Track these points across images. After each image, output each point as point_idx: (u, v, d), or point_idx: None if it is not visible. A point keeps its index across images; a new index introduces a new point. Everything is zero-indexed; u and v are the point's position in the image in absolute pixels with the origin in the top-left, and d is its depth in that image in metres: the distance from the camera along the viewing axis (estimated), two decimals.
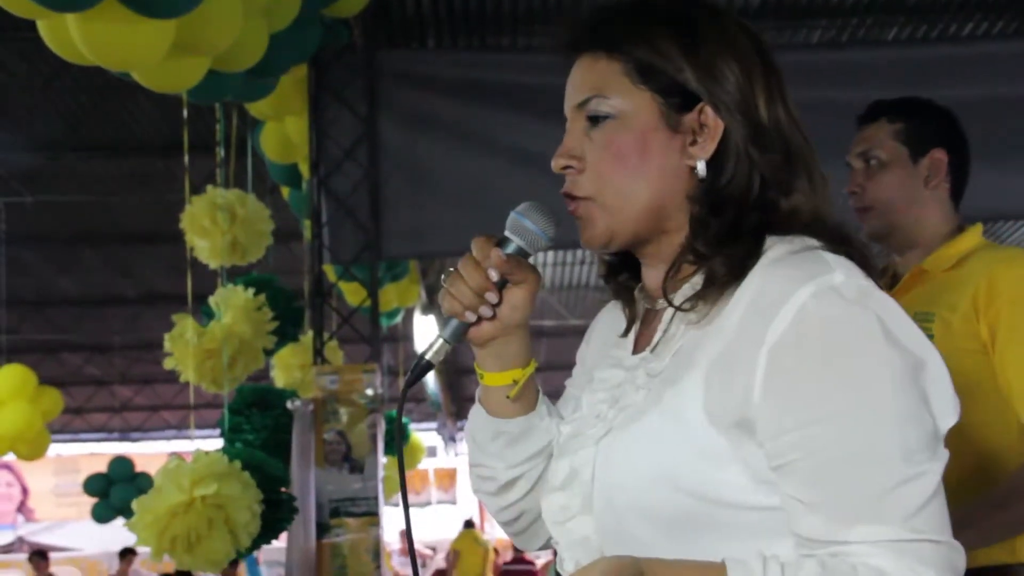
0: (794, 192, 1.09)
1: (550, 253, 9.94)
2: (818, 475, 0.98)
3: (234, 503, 3.42)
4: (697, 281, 1.09)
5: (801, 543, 1.00)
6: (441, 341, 1.15)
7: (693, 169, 1.10)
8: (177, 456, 3.69)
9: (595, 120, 1.12)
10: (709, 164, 1.09)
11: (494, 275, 1.14)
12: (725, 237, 1.07)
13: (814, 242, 1.07)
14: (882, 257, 1.99)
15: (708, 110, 1.09)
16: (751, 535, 1.02)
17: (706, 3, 1.13)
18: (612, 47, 1.11)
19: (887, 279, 2.00)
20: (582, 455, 1.12)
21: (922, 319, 1.84)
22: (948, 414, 1.03)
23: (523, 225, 1.16)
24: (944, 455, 1.00)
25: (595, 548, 1.11)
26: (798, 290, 1.00)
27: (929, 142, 1.98)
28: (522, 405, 1.20)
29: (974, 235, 1.98)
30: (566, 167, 1.13)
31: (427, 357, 1.15)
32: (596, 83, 1.12)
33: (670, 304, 1.10)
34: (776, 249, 1.06)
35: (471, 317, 1.15)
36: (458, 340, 1.16)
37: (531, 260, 1.17)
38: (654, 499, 1.04)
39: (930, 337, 1.81)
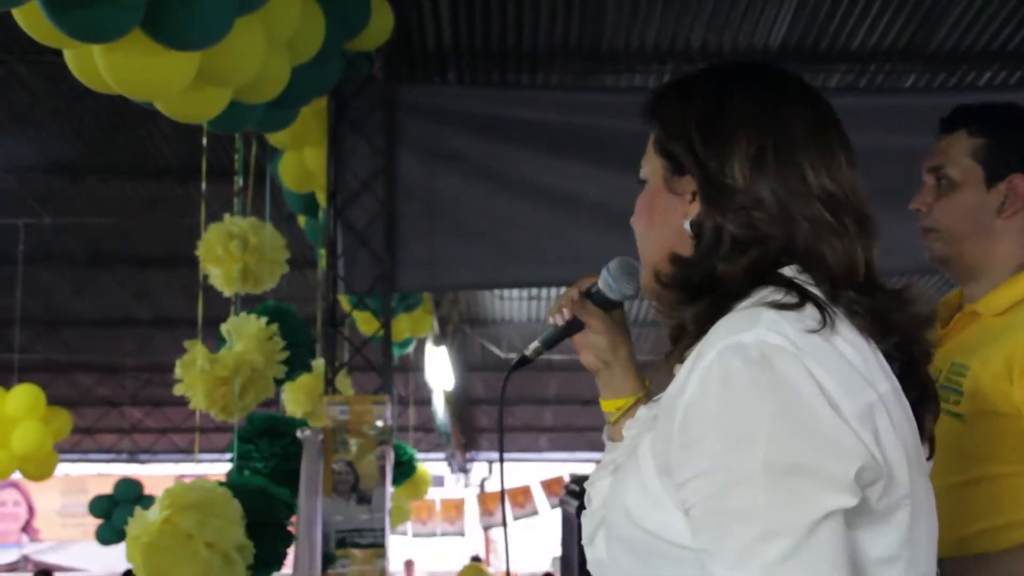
0: (772, 256, 1.15)
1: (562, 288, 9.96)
2: (702, 524, 1.05)
3: (206, 531, 3.44)
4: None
5: None
6: (537, 343, 1.42)
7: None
8: (181, 481, 3.71)
9: (642, 183, 1.28)
10: (693, 225, 1.19)
11: (567, 313, 1.41)
12: (683, 293, 1.17)
13: (773, 295, 1.12)
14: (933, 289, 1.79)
15: (689, 177, 1.20)
16: (698, 570, 1.07)
17: (730, 70, 1.24)
18: (647, 122, 1.26)
19: (950, 312, 1.79)
20: (598, 485, 1.26)
21: (956, 372, 1.67)
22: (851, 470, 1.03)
23: (606, 278, 1.38)
24: (845, 502, 1.02)
25: (605, 569, 1.22)
26: (713, 348, 1.07)
27: (1010, 166, 1.73)
28: None
29: None
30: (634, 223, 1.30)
31: (526, 354, 1.42)
32: (645, 155, 1.27)
33: (666, 360, 1.20)
34: (743, 302, 1.14)
35: (559, 320, 1.41)
36: (547, 344, 1.42)
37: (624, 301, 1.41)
38: (625, 532, 1.15)
39: (959, 396, 1.64)
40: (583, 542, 1.28)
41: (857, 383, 1.06)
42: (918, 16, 5.42)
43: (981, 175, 1.75)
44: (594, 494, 1.29)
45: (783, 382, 1.04)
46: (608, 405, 1.42)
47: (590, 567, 1.30)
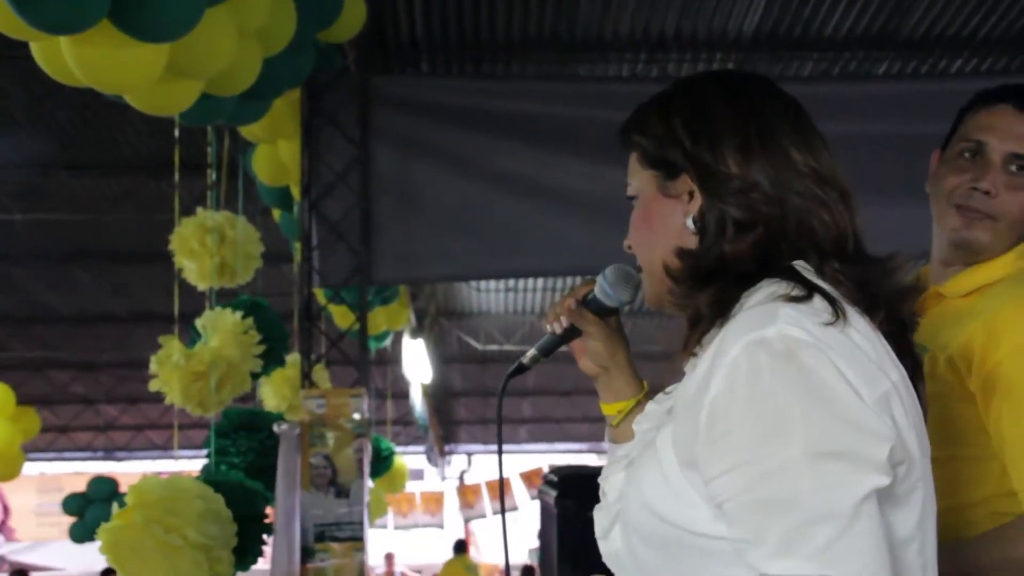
0: (775, 233, 1.20)
1: (543, 280, 9.96)
2: (740, 515, 1.07)
3: (173, 524, 3.44)
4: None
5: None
6: (534, 351, 1.44)
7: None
8: (153, 476, 3.70)
9: (632, 205, 1.32)
10: (696, 220, 1.24)
11: (564, 321, 1.42)
12: (694, 282, 1.20)
13: (782, 289, 1.15)
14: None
15: (685, 176, 1.25)
16: (730, 560, 1.10)
17: (699, 79, 1.31)
18: (627, 143, 1.32)
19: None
20: (612, 480, 1.31)
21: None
22: (883, 449, 1.07)
23: (602, 285, 1.39)
24: (881, 481, 1.06)
25: (623, 563, 1.26)
26: (735, 344, 1.10)
27: None
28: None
29: (1011, 258, 1.69)
30: (629, 247, 1.33)
31: (523, 362, 1.43)
32: (628, 175, 1.32)
33: (684, 347, 1.22)
34: (753, 297, 1.16)
35: (556, 328, 1.43)
36: (545, 352, 1.44)
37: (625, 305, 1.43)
38: (645, 525, 1.17)
39: None
40: (597, 536, 1.31)
41: (873, 372, 1.10)
42: (890, 3, 5.43)
43: None
44: (608, 488, 1.32)
45: (809, 373, 1.07)
46: (609, 408, 1.45)
47: (606, 560, 1.33)
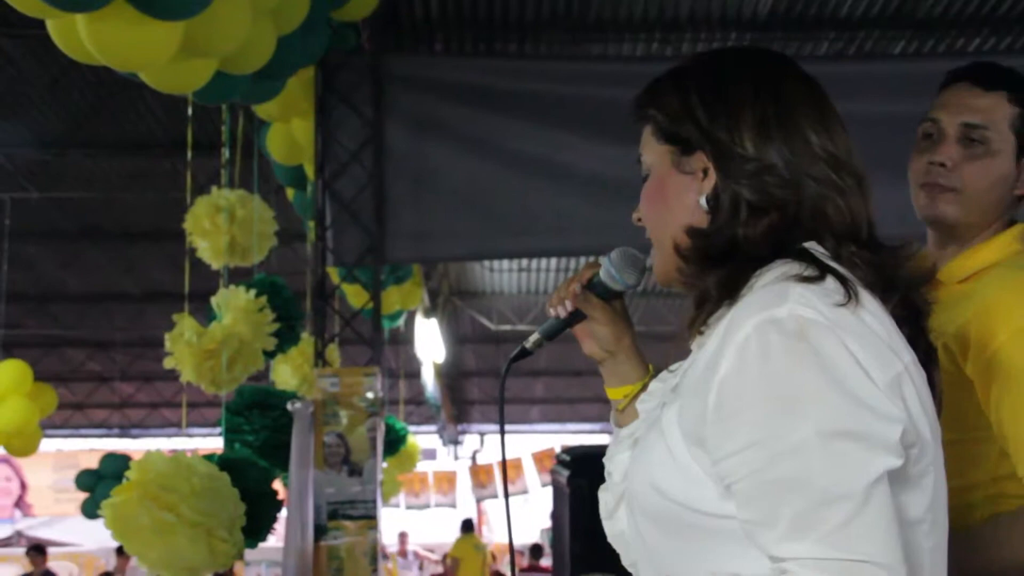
0: (789, 219, 1.18)
1: (556, 260, 9.95)
2: (751, 496, 1.07)
3: (167, 500, 3.47)
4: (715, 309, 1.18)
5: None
6: (537, 335, 1.40)
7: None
8: (158, 452, 3.72)
9: (644, 178, 1.29)
10: (710, 198, 1.21)
11: (568, 305, 1.38)
12: (704, 262, 1.18)
13: (795, 269, 1.13)
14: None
15: (700, 154, 1.22)
16: (735, 539, 1.10)
17: (719, 55, 1.28)
18: (641, 116, 1.29)
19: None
20: (617, 459, 1.31)
21: None
22: (897, 430, 1.07)
23: (608, 269, 1.36)
24: (893, 462, 1.05)
25: (628, 542, 1.26)
26: (746, 323, 1.09)
27: None
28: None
29: (1007, 240, 1.68)
30: (638, 220, 1.31)
31: (526, 346, 1.40)
32: (640, 147, 1.30)
33: (689, 326, 1.20)
34: (763, 277, 1.15)
35: (561, 312, 1.39)
36: (548, 336, 1.40)
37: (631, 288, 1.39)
38: (651, 504, 1.16)
39: None
40: (602, 516, 1.31)
41: (885, 354, 1.09)
42: None
43: (1014, 146, 1.68)
44: (613, 468, 1.31)
45: (821, 353, 1.06)
46: (615, 393, 1.42)
47: (611, 540, 1.32)
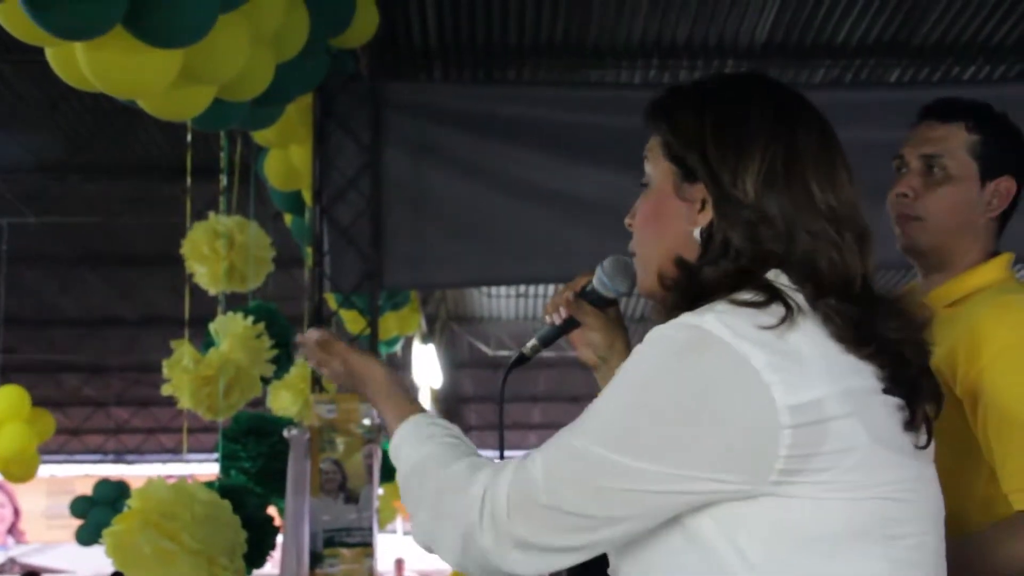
0: (773, 267, 1.18)
1: (554, 286, 9.95)
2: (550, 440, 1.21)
3: (168, 528, 3.46)
4: None
5: None
6: (534, 340, 1.44)
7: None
8: (159, 480, 3.71)
9: (644, 186, 1.29)
10: (703, 233, 1.22)
11: (563, 312, 1.43)
12: (682, 297, 1.19)
13: (743, 296, 1.15)
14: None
15: (701, 185, 1.22)
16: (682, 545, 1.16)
17: (742, 84, 1.27)
18: (654, 125, 1.28)
19: None
20: None
21: None
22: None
23: (600, 277, 1.40)
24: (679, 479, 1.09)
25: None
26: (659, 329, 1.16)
27: (1003, 167, 1.75)
28: None
29: (994, 268, 1.75)
30: (629, 224, 1.32)
31: (524, 352, 1.43)
32: (647, 150, 1.28)
33: None
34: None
35: (556, 320, 1.43)
36: (544, 342, 1.44)
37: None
38: None
39: None
40: None
41: (806, 378, 1.09)
42: (902, 10, 5.42)
43: (976, 172, 1.75)
44: None
45: (694, 371, 1.10)
46: None
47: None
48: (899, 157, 1.80)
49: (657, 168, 1.26)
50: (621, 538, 1.13)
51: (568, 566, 1.16)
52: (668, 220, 1.24)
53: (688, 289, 1.19)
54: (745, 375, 1.08)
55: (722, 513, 1.10)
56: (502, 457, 1.43)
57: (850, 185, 1.21)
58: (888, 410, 1.15)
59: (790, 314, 1.12)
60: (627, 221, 1.31)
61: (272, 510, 4.35)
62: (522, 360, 1.44)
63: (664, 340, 1.12)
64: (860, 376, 1.14)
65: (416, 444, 1.29)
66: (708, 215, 1.21)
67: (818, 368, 1.10)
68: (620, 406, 1.13)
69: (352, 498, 4.68)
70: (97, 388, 14.17)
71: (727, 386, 1.08)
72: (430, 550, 1.24)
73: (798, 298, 1.15)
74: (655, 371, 1.11)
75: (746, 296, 1.14)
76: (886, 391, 1.16)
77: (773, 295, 1.13)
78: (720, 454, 1.08)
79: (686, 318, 1.13)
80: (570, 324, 1.43)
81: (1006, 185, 1.76)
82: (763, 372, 1.07)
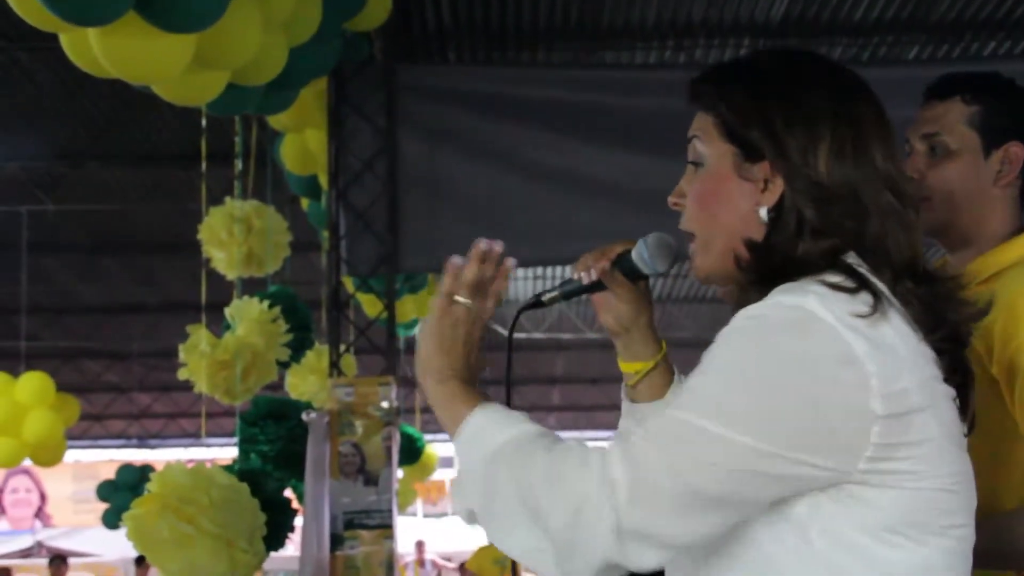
0: (850, 245, 1.17)
1: (567, 267, 9.93)
2: (658, 424, 1.16)
3: (187, 512, 3.49)
4: None
5: None
6: (556, 291, 1.40)
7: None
8: (178, 464, 3.74)
9: (695, 165, 1.25)
10: (771, 211, 1.19)
11: (593, 274, 1.38)
12: (761, 278, 1.17)
13: (832, 278, 1.13)
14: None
15: (766, 164, 1.19)
16: (759, 524, 1.14)
17: (796, 60, 1.25)
18: (706, 104, 1.25)
19: None
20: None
21: None
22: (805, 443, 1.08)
23: (641, 251, 1.35)
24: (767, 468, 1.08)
25: None
26: (751, 309, 1.13)
27: (1007, 133, 1.72)
28: (652, 392, 1.42)
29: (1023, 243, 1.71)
30: (676, 203, 1.28)
31: (542, 298, 1.41)
32: (697, 130, 1.25)
33: None
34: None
35: (584, 278, 1.39)
36: (566, 296, 1.40)
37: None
38: None
39: None
40: None
41: (898, 366, 1.09)
42: None
43: (978, 142, 1.73)
44: None
45: (799, 351, 1.07)
46: (628, 367, 1.43)
47: None
48: (907, 141, 1.78)
49: (712, 148, 1.23)
50: (722, 529, 1.11)
51: (669, 561, 1.14)
52: (729, 200, 1.21)
53: (769, 269, 1.17)
54: (849, 360, 1.07)
55: (812, 500, 1.10)
56: (509, 403, 1.42)
57: (901, 155, 1.22)
58: (949, 401, 1.16)
59: (880, 304, 1.11)
60: (672, 200, 1.28)
61: (289, 492, 4.37)
62: (538, 304, 1.41)
63: (768, 320, 1.10)
64: (931, 365, 1.14)
65: (506, 425, 1.30)
66: (774, 194, 1.18)
67: (904, 358, 1.11)
68: (729, 385, 1.10)
69: (371, 480, 4.71)
70: (119, 374, 14.26)
71: (834, 370, 1.07)
72: (506, 536, 1.20)
73: (880, 284, 1.15)
74: (762, 350, 1.09)
75: (837, 279, 1.12)
76: (945, 379, 1.16)
77: (861, 282, 1.12)
78: (824, 437, 1.07)
79: (785, 298, 1.11)
80: (596, 287, 1.39)
81: (1015, 150, 1.72)
82: (864, 360, 1.07)
